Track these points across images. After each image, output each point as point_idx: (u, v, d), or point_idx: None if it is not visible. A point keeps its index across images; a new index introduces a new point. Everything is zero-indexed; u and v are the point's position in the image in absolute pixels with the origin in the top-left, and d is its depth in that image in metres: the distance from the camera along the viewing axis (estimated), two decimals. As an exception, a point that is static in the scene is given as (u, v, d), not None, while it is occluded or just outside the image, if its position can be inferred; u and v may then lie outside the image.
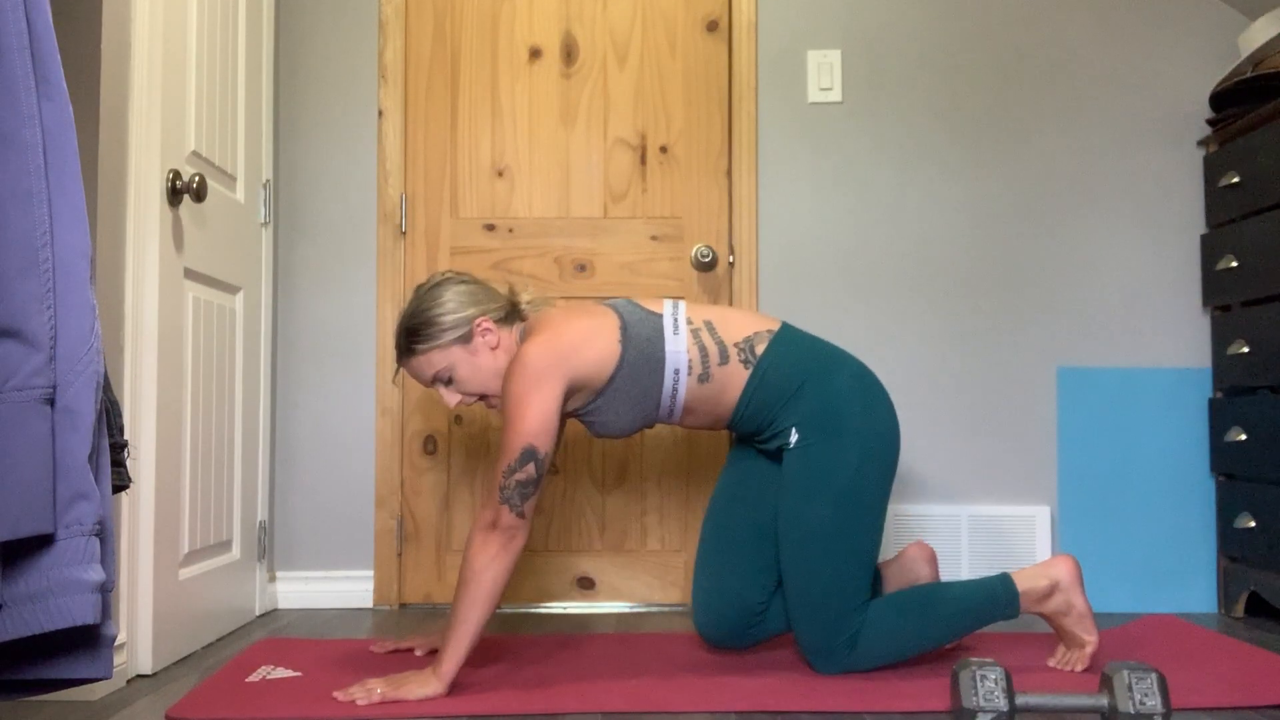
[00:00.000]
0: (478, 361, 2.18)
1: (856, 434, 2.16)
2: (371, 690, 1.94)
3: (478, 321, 2.17)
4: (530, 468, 2.02)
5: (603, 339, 2.13)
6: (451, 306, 2.17)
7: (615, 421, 2.20)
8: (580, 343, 2.11)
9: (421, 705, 1.92)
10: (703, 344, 2.18)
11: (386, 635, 2.60)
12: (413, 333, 2.18)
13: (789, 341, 2.22)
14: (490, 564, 1.99)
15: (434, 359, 2.18)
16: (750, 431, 2.27)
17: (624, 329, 2.16)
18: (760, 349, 2.20)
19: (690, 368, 2.17)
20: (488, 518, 2.02)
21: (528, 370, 2.06)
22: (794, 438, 2.18)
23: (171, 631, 2.28)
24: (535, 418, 2.04)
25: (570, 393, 2.13)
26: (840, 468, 2.14)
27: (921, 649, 2.17)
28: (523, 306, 2.26)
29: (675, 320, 2.19)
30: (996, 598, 2.17)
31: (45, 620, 1.22)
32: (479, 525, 2.03)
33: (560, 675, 2.15)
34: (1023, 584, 2.18)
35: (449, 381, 2.20)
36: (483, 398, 2.23)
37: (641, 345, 2.15)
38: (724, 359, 2.18)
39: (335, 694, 1.95)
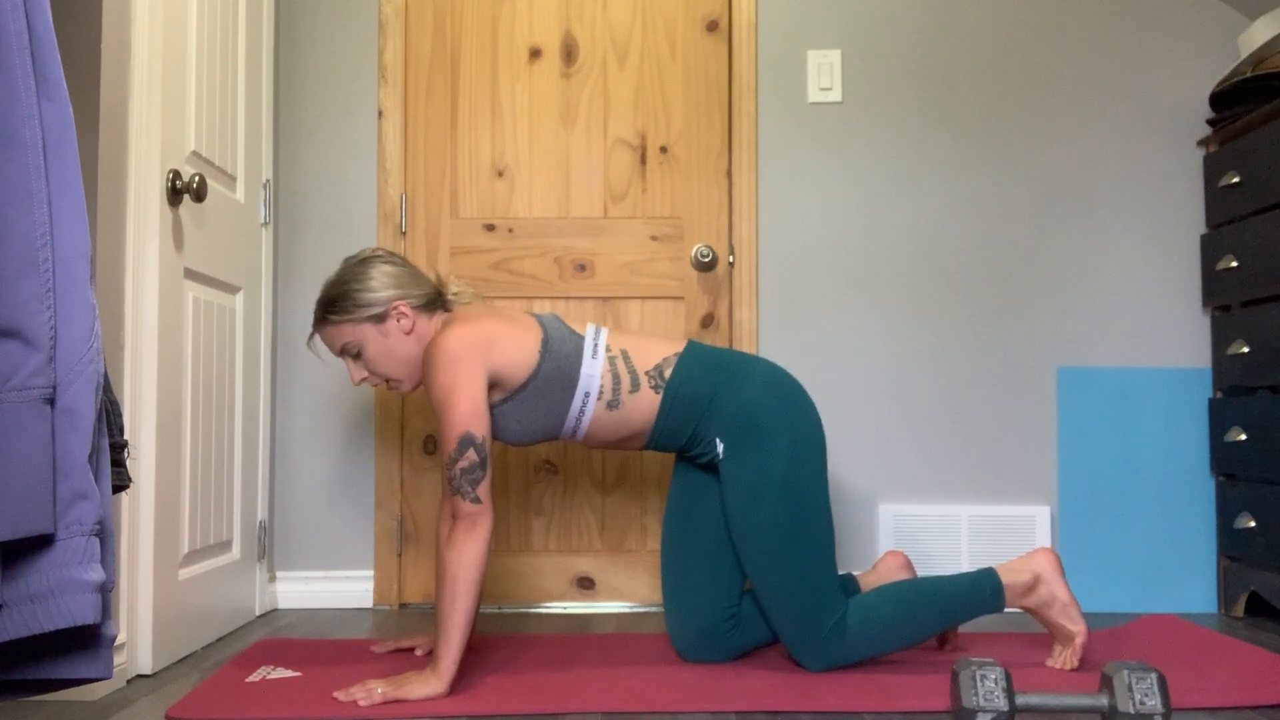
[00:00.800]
0: (388, 343, 2.21)
1: (778, 430, 2.19)
2: (372, 691, 1.94)
3: (395, 304, 2.20)
4: (471, 453, 2.04)
5: (522, 343, 2.16)
6: (373, 285, 2.20)
7: (517, 430, 2.21)
8: (498, 338, 2.14)
9: (422, 705, 1.92)
10: (616, 372, 2.21)
11: (387, 635, 2.60)
12: (330, 303, 2.21)
13: (695, 358, 2.26)
14: (459, 555, 2.00)
15: (344, 332, 2.21)
16: (677, 448, 2.29)
17: (545, 342, 2.18)
18: (668, 372, 2.23)
19: (601, 393, 2.20)
20: (446, 512, 2.05)
21: (448, 357, 2.08)
22: (720, 448, 2.21)
23: (171, 631, 2.28)
24: (465, 404, 2.06)
25: (489, 384, 2.14)
26: (772, 465, 2.17)
27: (910, 641, 2.19)
28: (448, 297, 2.30)
29: (595, 345, 2.22)
30: (982, 590, 2.20)
31: (45, 620, 1.22)
32: (441, 521, 2.06)
33: (560, 675, 2.15)
34: (1006, 578, 2.21)
35: (357, 355, 2.23)
36: (387, 381, 2.26)
37: (559, 361, 2.18)
38: (635, 387, 2.21)
39: (336, 694, 1.95)
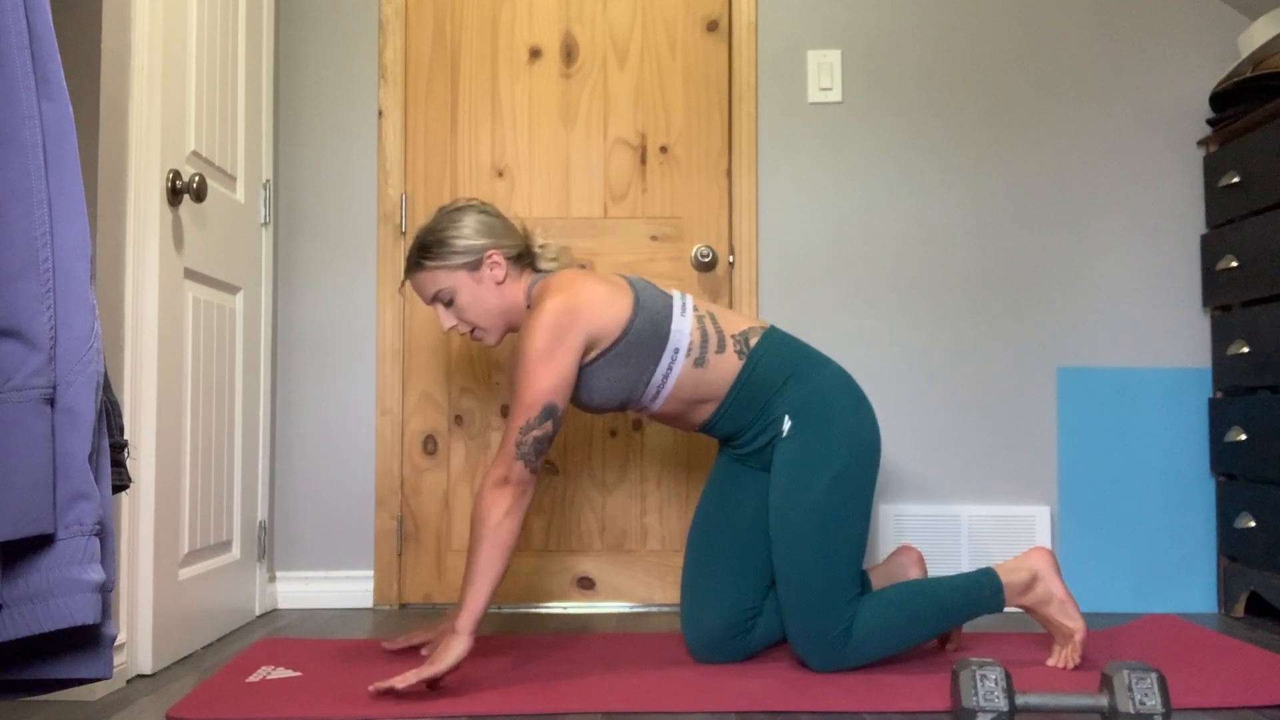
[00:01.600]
0: (481, 291, 2.25)
1: (847, 424, 2.21)
2: (406, 678, 1.94)
3: (489, 253, 2.24)
4: (549, 424, 2.08)
5: (618, 303, 2.19)
6: (467, 232, 2.24)
7: (602, 389, 2.22)
8: (599, 302, 2.16)
9: (425, 705, 1.92)
10: (705, 330, 2.24)
11: (388, 635, 2.60)
12: (425, 249, 2.25)
13: (780, 337, 2.31)
14: (505, 518, 2.04)
15: (439, 278, 2.24)
16: (737, 428, 2.29)
17: (637, 299, 2.21)
18: (754, 340, 2.27)
19: (690, 350, 2.22)
20: (499, 474, 2.04)
21: (550, 327, 2.10)
22: (787, 425, 2.22)
23: (171, 631, 2.28)
24: (556, 374, 2.10)
25: (584, 350, 2.17)
26: (834, 454, 2.18)
27: (912, 642, 2.20)
28: (535, 251, 2.33)
29: (684, 304, 2.26)
30: (982, 589, 2.21)
31: (45, 620, 1.22)
32: (490, 482, 2.04)
33: (560, 675, 2.15)
34: (1004, 576, 2.22)
35: (449, 303, 2.26)
36: (473, 330, 2.29)
37: (651, 317, 2.21)
38: (721, 347, 2.24)
39: (371, 687, 1.95)
